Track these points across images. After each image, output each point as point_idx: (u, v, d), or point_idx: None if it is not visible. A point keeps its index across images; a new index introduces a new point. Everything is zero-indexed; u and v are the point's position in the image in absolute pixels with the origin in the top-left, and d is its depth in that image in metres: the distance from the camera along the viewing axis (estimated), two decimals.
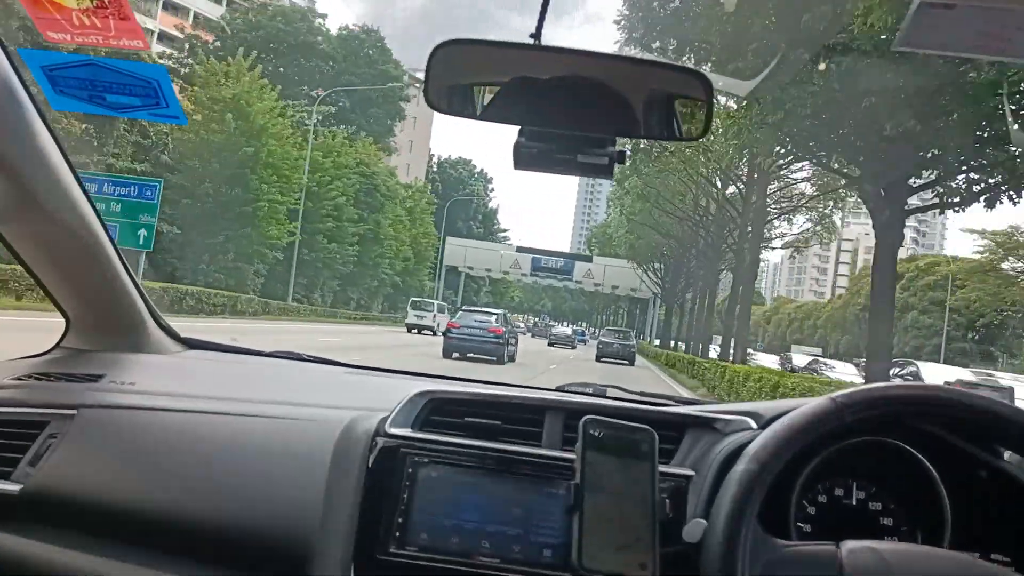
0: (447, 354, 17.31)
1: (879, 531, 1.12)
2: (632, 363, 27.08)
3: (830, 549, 0.89)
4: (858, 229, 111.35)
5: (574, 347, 39.76)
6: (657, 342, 49.06)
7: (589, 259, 60.11)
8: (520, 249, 59.91)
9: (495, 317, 18.40)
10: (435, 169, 70.22)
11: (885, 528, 1.12)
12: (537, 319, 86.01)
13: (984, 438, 1.08)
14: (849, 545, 0.89)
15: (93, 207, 1.38)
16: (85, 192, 1.35)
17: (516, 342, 20.12)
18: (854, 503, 1.14)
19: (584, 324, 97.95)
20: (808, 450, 1.01)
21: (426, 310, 33.63)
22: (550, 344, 39.34)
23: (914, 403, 0.97)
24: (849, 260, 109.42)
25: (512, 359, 18.78)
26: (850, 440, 1.07)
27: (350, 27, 54.88)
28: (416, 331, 31.84)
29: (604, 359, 27.09)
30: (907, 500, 1.12)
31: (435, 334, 30.30)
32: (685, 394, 3.05)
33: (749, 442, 1.01)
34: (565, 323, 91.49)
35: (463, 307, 24.77)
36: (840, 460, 1.10)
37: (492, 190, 77.10)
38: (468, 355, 17.21)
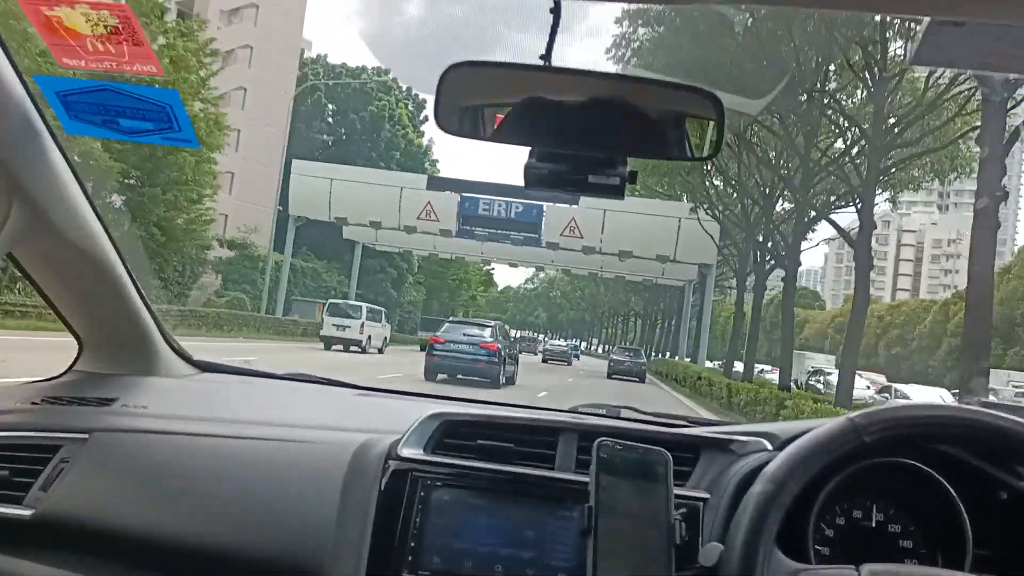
0: (430, 375, 14.76)
1: (898, 553, 1.10)
2: (643, 380, 26.77)
3: (850, 573, 0.88)
4: (922, 218, 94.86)
5: (570, 363, 34.04)
6: (711, 365, 30.76)
7: (573, 199, 27.27)
8: (435, 182, 30.76)
9: (488, 330, 15.59)
10: (320, 75, 40.44)
11: (905, 550, 1.10)
12: (524, 332, 70.20)
13: (1005, 459, 1.06)
14: (869, 568, 0.87)
15: (107, 231, 1.39)
16: (99, 216, 1.36)
17: (516, 361, 17.07)
18: (873, 525, 1.12)
19: (591, 338, 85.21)
20: (826, 471, 1.00)
21: (351, 316, 23.62)
22: (544, 360, 33.12)
23: (934, 424, 0.96)
24: (912, 256, 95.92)
25: (512, 381, 16.01)
26: (869, 461, 1.06)
27: None
28: (341, 347, 22.78)
29: (616, 376, 26.87)
30: (927, 522, 1.10)
31: (364, 351, 23.01)
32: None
33: (765, 463, 1.00)
34: (561, 337, 79.90)
35: (450, 319, 20.54)
36: (859, 481, 1.08)
37: (424, 119, 44.65)
38: (457, 376, 14.72)
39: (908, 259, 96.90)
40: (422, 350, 25.26)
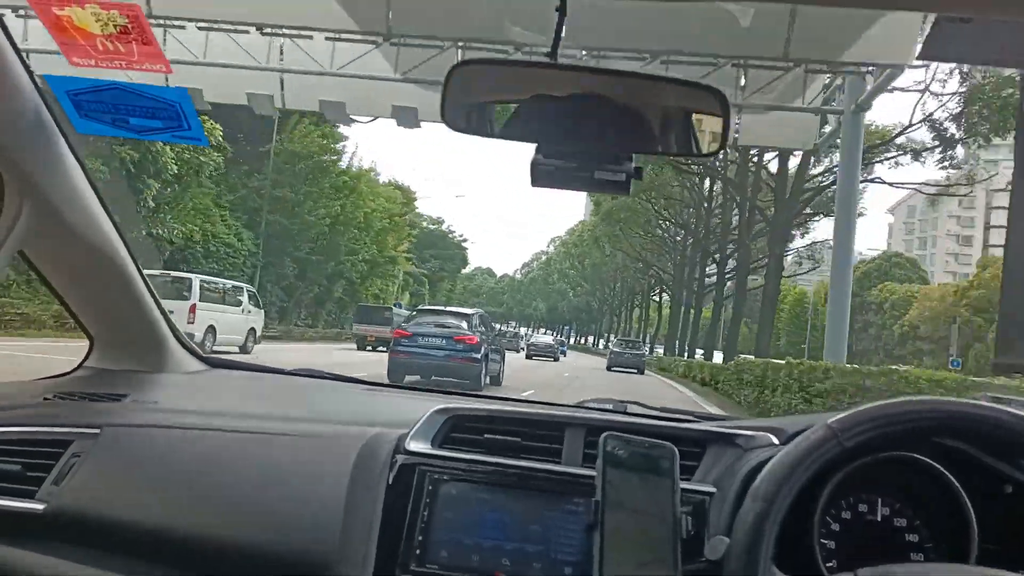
0: (396, 376, 11.90)
1: (904, 548, 1.10)
2: (641, 372, 26.69)
3: None
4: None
5: (556, 359, 32.94)
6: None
7: None
8: None
9: (467, 320, 12.79)
10: None
11: (911, 544, 1.10)
12: (505, 327, 60.11)
13: (1005, 452, 1.06)
14: (865, 572, 0.87)
15: (117, 228, 1.40)
16: (109, 214, 1.38)
17: (502, 356, 14.48)
18: (879, 519, 1.12)
19: (600, 331, 77.07)
20: (818, 477, 0.99)
21: (181, 295, 15.05)
22: (529, 356, 31.76)
23: (909, 420, 0.95)
24: (1006, 222, 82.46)
25: (497, 381, 13.59)
26: (865, 459, 1.06)
27: None
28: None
29: (615, 368, 26.82)
30: (933, 516, 1.10)
31: (239, 349, 16.47)
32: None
33: (771, 458, 1.00)
34: (565, 331, 75.77)
35: (418, 308, 17.13)
36: (865, 474, 1.08)
37: None
38: (432, 378, 12.22)
39: (1002, 225, 79.07)
40: (360, 348, 22.80)
